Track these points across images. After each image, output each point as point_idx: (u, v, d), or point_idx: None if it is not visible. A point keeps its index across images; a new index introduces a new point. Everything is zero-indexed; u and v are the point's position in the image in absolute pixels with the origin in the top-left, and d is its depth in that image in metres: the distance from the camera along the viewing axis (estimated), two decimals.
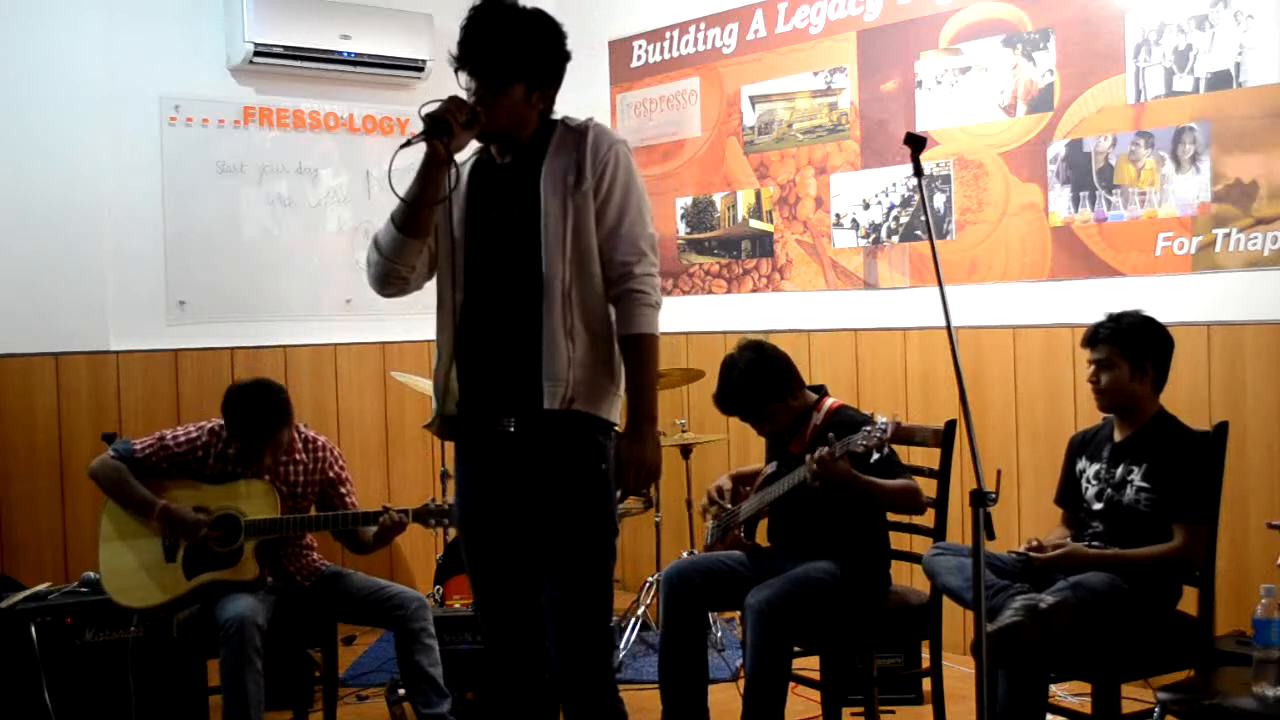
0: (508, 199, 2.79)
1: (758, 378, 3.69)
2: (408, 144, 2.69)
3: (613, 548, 2.85)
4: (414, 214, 2.72)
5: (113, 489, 3.76)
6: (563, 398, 2.71)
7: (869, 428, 3.43)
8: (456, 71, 2.74)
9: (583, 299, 2.75)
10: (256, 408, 3.73)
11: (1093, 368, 3.39)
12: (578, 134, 2.77)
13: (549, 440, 2.77)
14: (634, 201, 2.78)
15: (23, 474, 4.86)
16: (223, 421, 3.83)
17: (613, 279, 2.77)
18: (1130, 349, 3.34)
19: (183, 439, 3.82)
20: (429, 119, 2.65)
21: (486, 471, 2.85)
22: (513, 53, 2.69)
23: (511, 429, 2.78)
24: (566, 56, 2.80)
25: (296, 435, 3.91)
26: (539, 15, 2.77)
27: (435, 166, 2.68)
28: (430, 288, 2.92)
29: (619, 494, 2.85)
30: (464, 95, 2.73)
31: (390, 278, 2.81)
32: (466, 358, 2.81)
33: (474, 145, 2.85)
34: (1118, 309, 3.45)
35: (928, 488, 3.76)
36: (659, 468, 2.82)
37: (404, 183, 2.75)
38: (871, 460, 3.53)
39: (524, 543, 2.83)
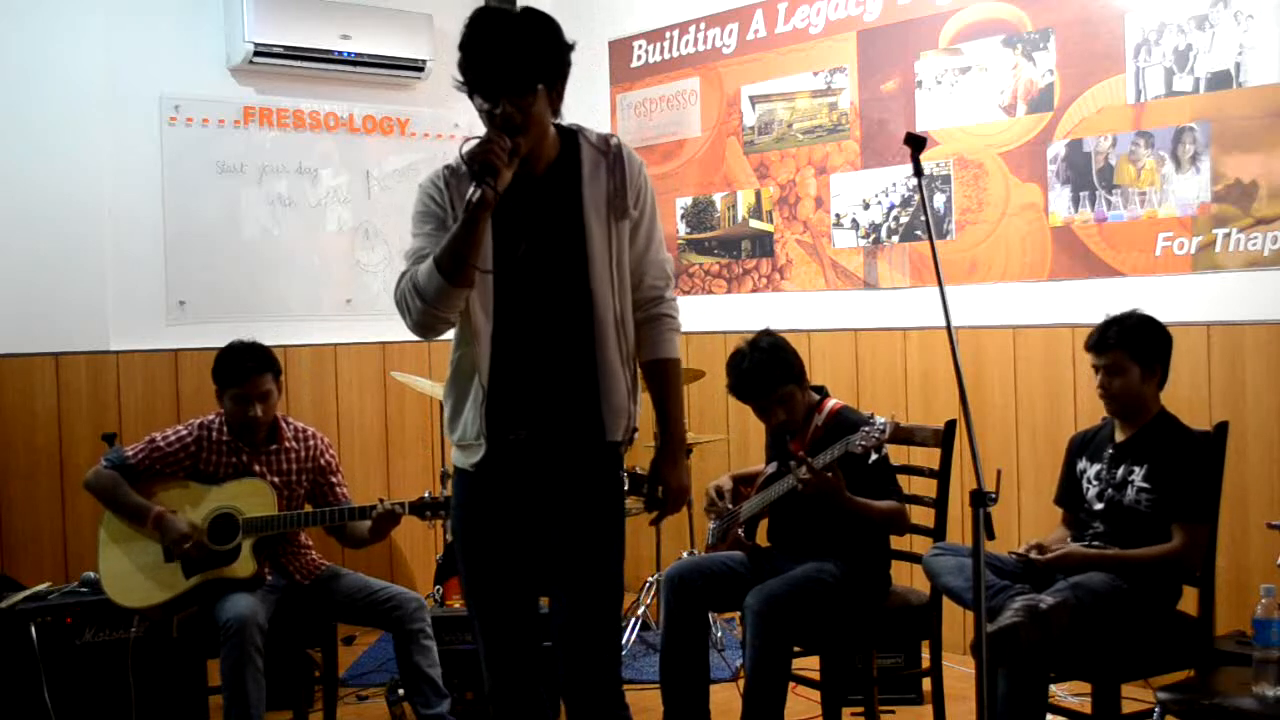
0: (541, 222, 2.68)
1: (776, 357, 3.69)
2: (490, 192, 2.49)
3: (623, 557, 2.83)
4: (462, 261, 2.53)
5: (108, 499, 3.78)
6: (625, 428, 2.70)
7: (867, 427, 3.43)
8: (471, 94, 2.59)
9: (627, 325, 2.72)
10: (242, 349, 3.86)
11: (1101, 373, 3.38)
12: (611, 155, 2.71)
13: (594, 464, 2.71)
14: (659, 226, 2.80)
15: (23, 474, 4.86)
16: (212, 416, 3.88)
17: (642, 302, 2.76)
18: (1140, 351, 3.33)
19: (172, 438, 3.84)
20: (474, 163, 2.48)
21: (501, 486, 2.75)
22: (528, 59, 2.57)
23: (518, 437, 2.70)
24: (571, 46, 2.68)
25: (285, 426, 3.95)
26: (534, 12, 2.67)
27: (483, 210, 2.50)
28: None
29: (657, 516, 2.84)
30: (473, 111, 2.60)
31: (436, 325, 2.63)
32: (499, 383, 2.68)
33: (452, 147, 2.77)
34: (1115, 310, 3.45)
35: (927, 488, 3.77)
36: (689, 490, 2.86)
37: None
38: (870, 461, 3.53)
39: (530, 555, 2.77)
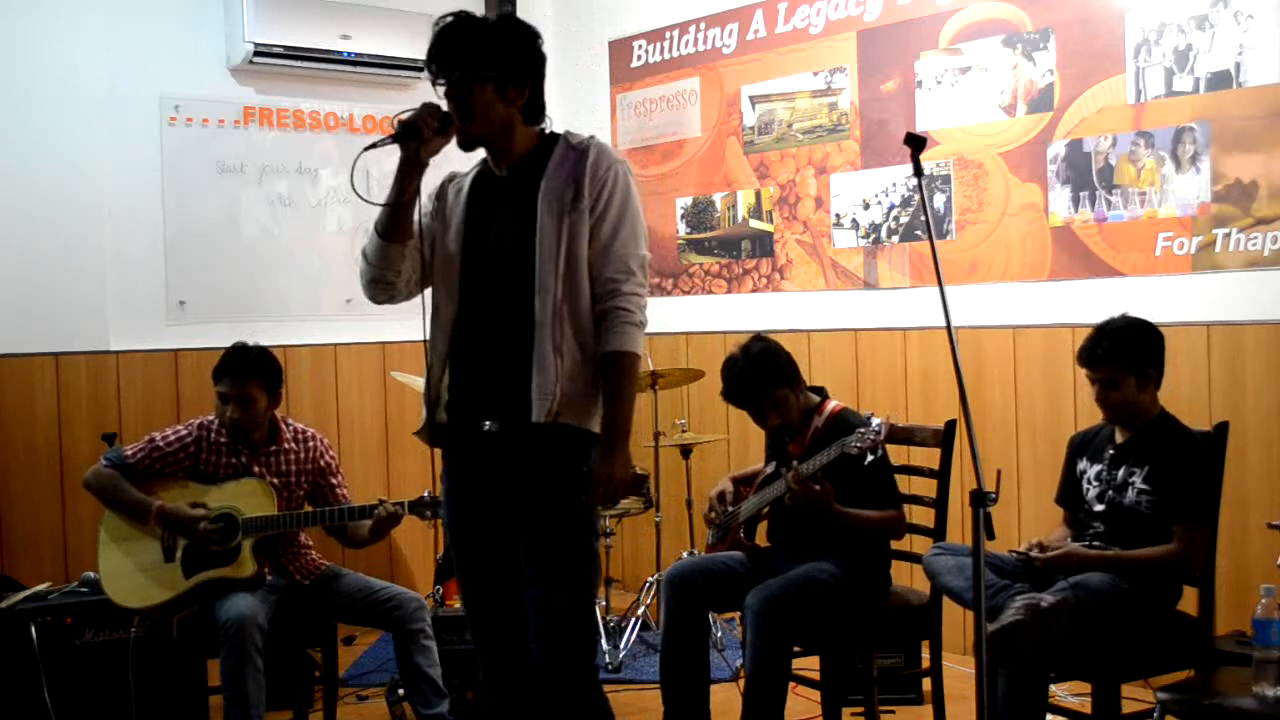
0: (504, 214, 2.82)
1: (768, 362, 3.70)
2: (372, 146, 2.76)
3: (593, 548, 2.87)
4: (390, 217, 2.79)
5: (107, 497, 3.77)
6: (549, 411, 2.74)
7: (863, 429, 3.43)
8: (434, 84, 2.79)
9: (574, 315, 2.77)
10: (242, 349, 3.88)
11: (1097, 386, 3.37)
12: (579, 152, 2.80)
13: (535, 448, 2.78)
14: (628, 221, 2.80)
15: (23, 474, 4.86)
16: (211, 417, 3.88)
17: (599, 295, 2.80)
18: (1132, 361, 3.32)
19: (172, 438, 3.83)
20: (400, 124, 2.71)
21: (472, 474, 2.88)
22: (478, 50, 2.73)
23: (486, 428, 2.80)
24: (540, 56, 2.82)
25: (285, 427, 3.95)
26: (507, 17, 2.84)
27: (408, 171, 2.74)
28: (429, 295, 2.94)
29: (585, 500, 2.85)
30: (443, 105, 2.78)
31: (377, 283, 2.88)
32: (459, 368, 2.85)
33: (475, 157, 2.89)
34: (1115, 311, 3.45)
35: (928, 488, 3.77)
36: (627, 484, 2.83)
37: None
38: (865, 462, 3.53)
39: (509, 544, 2.85)
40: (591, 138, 2.85)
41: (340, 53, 5.52)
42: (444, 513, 3.00)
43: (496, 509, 2.85)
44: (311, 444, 3.97)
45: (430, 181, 2.85)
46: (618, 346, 2.78)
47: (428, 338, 2.90)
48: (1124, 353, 3.32)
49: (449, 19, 2.78)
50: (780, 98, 5.40)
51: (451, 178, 2.94)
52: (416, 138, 2.70)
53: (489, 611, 2.91)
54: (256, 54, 5.29)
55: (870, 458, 3.50)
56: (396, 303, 2.94)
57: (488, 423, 2.80)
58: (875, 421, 3.44)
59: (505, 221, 2.81)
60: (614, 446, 2.79)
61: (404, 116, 2.72)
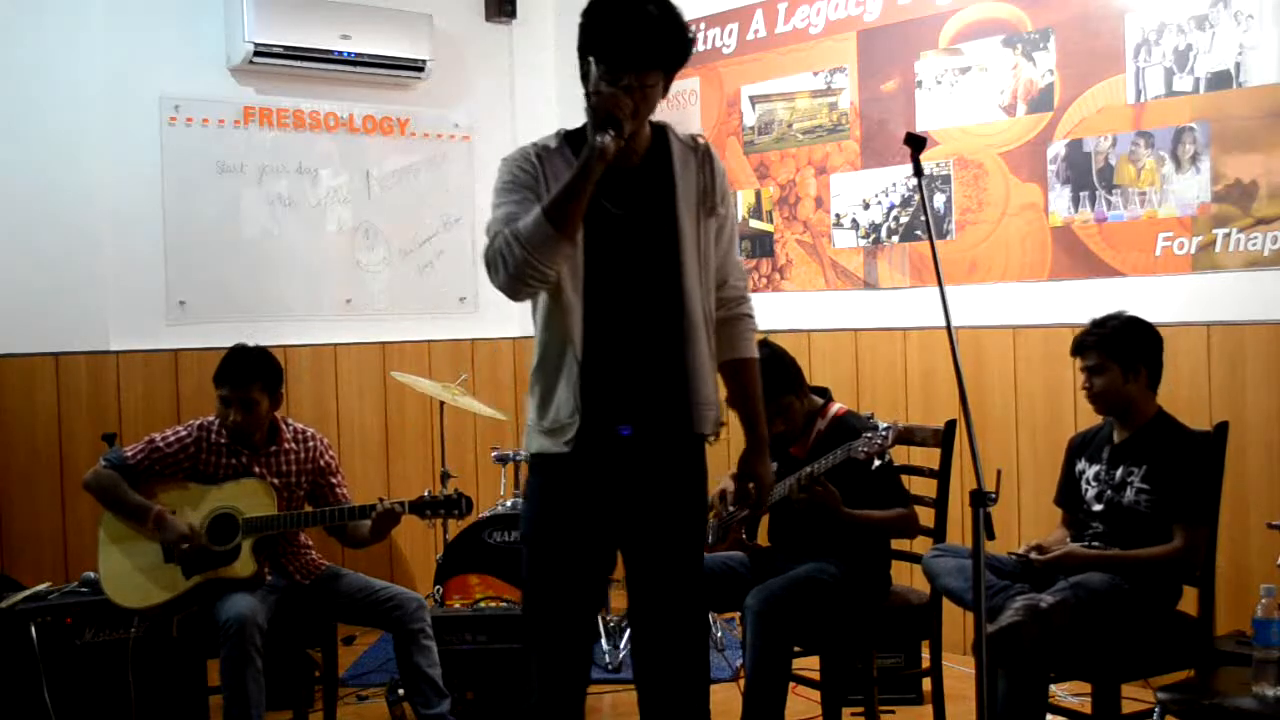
0: (637, 208, 2.69)
1: (773, 369, 3.68)
2: (616, 138, 2.52)
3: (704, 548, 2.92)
4: (572, 210, 2.53)
5: (107, 499, 3.77)
6: (714, 421, 2.76)
7: (869, 434, 3.42)
8: (597, 66, 2.58)
9: (710, 319, 2.76)
10: (242, 351, 3.86)
11: (1085, 375, 3.40)
12: (700, 153, 2.77)
13: (682, 457, 2.75)
14: (737, 228, 2.88)
15: (23, 474, 4.86)
16: (212, 417, 3.88)
17: (725, 301, 2.81)
18: (1119, 352, 3.34)
19: (172, 439, 3.83)
20: (599, 113, 2.52)
21: (590, 466, 2.69)
22: (663, 43, 2.62)
23: (626, 434, 2.68)
24: (694, 41, 2.76)
25: (285, 427, 3.95)
26: (670, 6, 2.67)
27: (601, 162, 2.51)
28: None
29: (747, 513, 2.88)
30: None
31: (532, 279, 2.56)
32: (594, 367, 2.65)
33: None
34: (1105, 312, 3.46)
35: (928, 488, 3.77)
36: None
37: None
38: (873, 467, 3.53)
39: (607, 543, 2.75)
40: (700, 135, 2.84)
41: (340, 53, 5.52)
42: (533, 509, 2.77)
43: (609, 508, 2.71)
44: (311, 444, 3.97)
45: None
46: (751, 353, 2.86)
47: (544, 328, 2.68)
48: (1112, 343, 3.35)
49: (620, 5, 2.58)
50: (780, 98, 5.40)
51: (545, 149, 2.70)
52: (618, 126, 2.51)
53: (569, 621, 2.74)
54: (256, 54, 5.29)
55: (877, 462, 3.50)
56: (532, 298, 2.70)
57: (627, 428, 2.67)
58: (883, 426, 3.43)
59: (639, 219, 2.68)
60: (765, 452, 2.87)
61: (596, 101, 2.53)
